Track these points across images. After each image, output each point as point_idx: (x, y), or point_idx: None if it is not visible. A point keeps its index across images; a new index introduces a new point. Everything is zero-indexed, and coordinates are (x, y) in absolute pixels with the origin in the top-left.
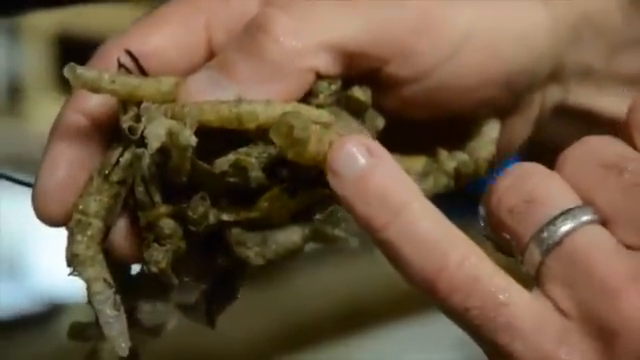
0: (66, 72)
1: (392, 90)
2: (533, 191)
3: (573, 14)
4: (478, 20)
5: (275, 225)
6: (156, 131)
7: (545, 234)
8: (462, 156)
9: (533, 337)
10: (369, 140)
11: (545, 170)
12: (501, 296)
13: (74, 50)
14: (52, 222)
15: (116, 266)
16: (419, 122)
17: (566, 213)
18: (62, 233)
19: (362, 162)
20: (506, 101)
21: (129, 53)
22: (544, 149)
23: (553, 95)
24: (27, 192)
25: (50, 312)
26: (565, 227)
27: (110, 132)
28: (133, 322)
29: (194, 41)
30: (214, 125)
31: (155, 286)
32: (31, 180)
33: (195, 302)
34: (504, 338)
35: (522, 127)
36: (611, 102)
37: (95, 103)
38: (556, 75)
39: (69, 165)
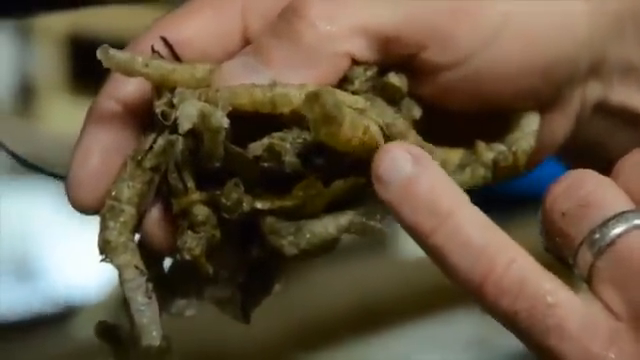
0: (99, 54)
1: (429, 78)
2: (587, 196)
3: (614, 6)
4: (516, 7)
5: (309, 215)
6: (188, 111)
7: (597, 235)
8: (500, 147)
9: (582, 338)
10: (413, 146)
11: (600, 176)
12: (549, 298)
13: (86, 51)
14: (85, 210)
15: (149, 260)
16: (457, 114)
17: (619, 216)
18: (76, 235)
19: (407, 169)
20: (545, 92)
21: (164, 40)
22: (585, 148)
23: (594, 91)
24: (42, 194)
25: (64, 314)
26: (618, 229)
27: (144, 119)
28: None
29: (229, 29)
30: (247, 109)
31: (188, 281)
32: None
33: (230, 296)
34: (553, 340)
35: (562, 124)
36: None
37: (129, 90)
38: (597, 70)
39: (103, 152)
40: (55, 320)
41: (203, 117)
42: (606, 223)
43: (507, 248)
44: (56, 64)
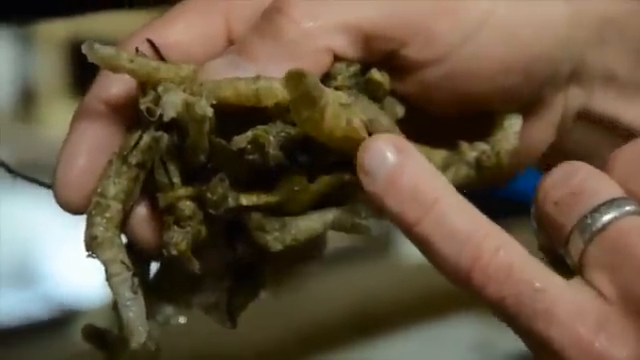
0: (84, 48)
1: (410, 75)
2: (579, 184)
3: (594, 11)
4: (496, 4)
5: (295, 213)
6: (172, 100)
7: (589, 221)
8: (483, 146)
9: (571, 323)
10: (396, 137)
11: (592, 168)
12: (537, 283)
13: (86, 57)
14: (73, 209)
15: (135, 264)
16: (439, 116)
17: (610, 202)
18: (76, 240)
19: (392, 160)
20: (526, 92)
21: (150, 42)
22: (567, 158)
23: (576, 99)
24: (41, 198)
25: (64, 319)
26: (609, 215)
27: (130, 118)
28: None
29: (213, 32)
30: (231, 102)
31: (175, 288)
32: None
33: (216, 300)
34: (541, 325)
35: (544, 131)
36: (636, 112)
37: (115, 90)
38: (578, 76)
39: (89, 151)
40: (55, 325)
41: (187, 106)
42: (597, 209)
43: (493, 235)
44: (57, 69)
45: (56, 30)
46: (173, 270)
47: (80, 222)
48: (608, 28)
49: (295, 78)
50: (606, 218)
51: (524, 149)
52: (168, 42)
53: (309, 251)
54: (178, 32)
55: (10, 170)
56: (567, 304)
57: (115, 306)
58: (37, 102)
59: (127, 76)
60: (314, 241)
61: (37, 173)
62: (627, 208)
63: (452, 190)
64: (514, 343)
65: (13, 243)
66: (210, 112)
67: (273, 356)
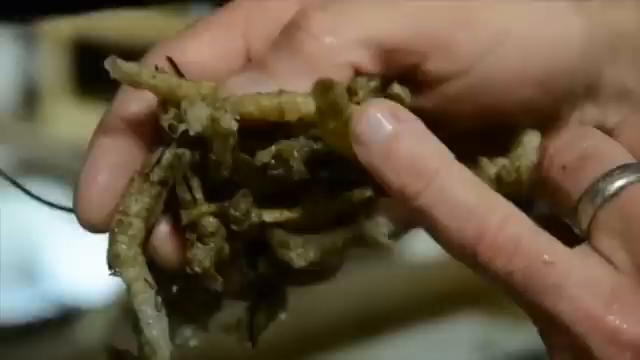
0: (107, 64)
1: (431, 89)
2: (589, 148)
3: (608, 27)
4: (515, 17)
5: (316, 229)
6: (198, 113)
7: (600, 186)
8: (503, 162)
9: (581, 296)
10: (394, 104)
11: (601, 133)
12: (546, 256)
13: (91, 55)
14: (95, 228)
15: (157, 282)
16: (458, 130)
17: (623, 167)
18: (79, 239)
19: (388, 128)
20: (545, 105)
21: (169, 60)
22: None
23: (591, 116)
24: (45, 197)
25: (66, 317)
26: (622, 181)
27: (150, 136)
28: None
29: (232, 49)
30: (255, 117)
31: (193, 309)
32: (45, 184)
33: (237, 320)
34: (550, 299)
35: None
36: None
37: (136, 108)
38: (593, 92)
39: (110, 169)
40: (58, 324)
41: (212, 121)
42: (610, 174)
43: (499, 206)
44: (61, 68)
45: (60, 29)
46: (192, 291)
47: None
48: (621, 43)
49: (323, 87)
50: (619, 183)
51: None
52: (187, 60)
53: (327, 267)
54: (197, 50)
55: (14, 182)
56: (577, 277)
57: (135, 328)
58: (41, 101)
59: (146, 93)
60: (333, 257)
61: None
62: None
63: (453, 160)
64: (516, 343)
65: (15, 242)
66: (235, 126)
67: (275, 356)
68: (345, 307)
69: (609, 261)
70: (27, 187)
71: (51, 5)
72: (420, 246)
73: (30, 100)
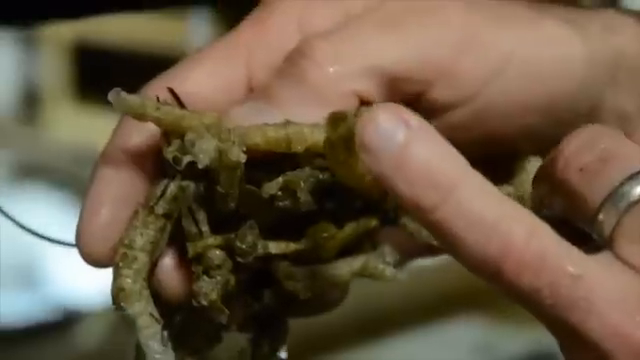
0: (111, 97)
1: (436, 117)
2: (608, 149)
3: (609, 51)
4: (519, 43)
5: (322, 261)
6: (206, 146)
7: (625, 189)
8: (508, 189)
9: (610, 311)
10: (405, 110)
11: (618, 132)
12: (572, 268)
13: (91, 59)
14: (97, 261)
15: (162, 316)
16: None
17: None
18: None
19: (400, 135)
20: (548, 132)
21: (170, 91)
22: None
23: None
24: (43, 200)
25: (66, 321)
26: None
27: (153, 169)
28: None
29: (234, 79)
30: (261, 148)
31: (196, 340)
32: (45, 190)
33: (240, 350)
34: (578, 315)
35: None
36: None
37: (137, 139)
38: (594, 117)
39: (112, 202)
40: (57, 328)
41: (220, 153)
42: (634, 177)
43: (523, 219)
44: (61, 72)
45: (61, 33)
46: (194, 323)
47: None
48: (620, 68)
49: (336, 119)
50: None
51: None
52: (188, 90)
53: (331, 299)
54: (198, 80)
55: (22, 226)
56: (605, 289)
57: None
58: (41, 105)
59: (148, 125)
60: (338, 289)
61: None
62: None
63: (471, 170)
64: (516, 346)
65: (15, 245)
66: (244, 158)
67: None
68: (345, 309)
69: (636, 270)
70: (24, 189)
71: (51, 9)
72: None
73: (30, 104)
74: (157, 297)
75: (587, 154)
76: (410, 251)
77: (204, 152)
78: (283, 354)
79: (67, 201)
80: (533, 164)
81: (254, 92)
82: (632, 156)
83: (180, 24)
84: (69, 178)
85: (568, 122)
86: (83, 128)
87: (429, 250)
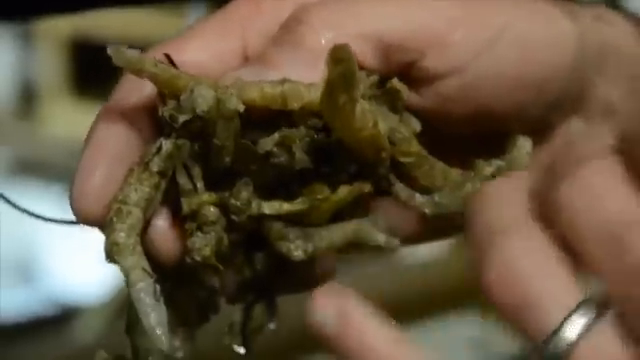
0: (110, 51)
1: (427, 87)
2: (527, 294)
3: (598, 38)
4: (512, 18)
5: (315, 225)
6: (205, 92)
7: (551, 346)
8: (499, 162)
9: None
10: (341, 298)
11: (537, 256)
12: None
13: (88, 55)
14: (90, 219)
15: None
16: (453, 133)
17: (569, 317)
18: (77, 237)
19: (334, 323)
20: (536, 113)
21: (167, 57)
22: None
23: (577, 130)
24: (42, 196)
25: (63, 316)
26: (571, 334)
27: (149, 130)
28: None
29: (230, 49)
30: (257, 104)
31: (191, 305)
32: (41, 186)
33: (231, 323)
34: None
35: (547, 162)
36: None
37: (135, 99)
38: (582, 105)
39: (108, 163)
40: (55, 322)
41: (218, 101)
42: (559, 328)
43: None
44: (58, 67)
45: (58, 28)
46: (187, 289)
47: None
48: (608, 57)
49: (340, 53)
50: (568, 340)
51: None
52: (184, 59)
53: (322, 270)
54: (194, 51)
55: (15, 205)
56: None
57: (128, 329)
58: (38, 100)
59: (146, 87)
60: (328, 257)
61: (37, 169)
62: (587, 319)
63: (403, 343)
64: (512, 343)
65: (13, 240)
66: (241, 108)
67: (273, 356)
68: None
69: None
70: (23, 184)
71: (49, 3)
72: (418, 246)
73: (28, 99)
74: (149, 259)
75: (507, 295)
76: (404, 228)
77: (203, 97)
78: (272, 325)
79: (64, 196)
80: (522, 142)
81: (251, 59)
82: (552, 300)
83: (178, 19)
84: (66, 173)
85: (558, 107)
86: (80, 123)
87: (417, 236)
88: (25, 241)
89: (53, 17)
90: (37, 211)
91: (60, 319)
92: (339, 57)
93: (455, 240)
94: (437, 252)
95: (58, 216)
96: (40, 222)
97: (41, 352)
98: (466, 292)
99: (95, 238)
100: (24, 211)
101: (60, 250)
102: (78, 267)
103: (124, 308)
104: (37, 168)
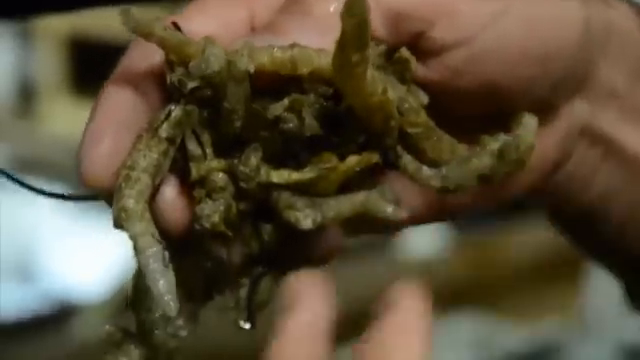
0: (120, 14)
1: (434, 58)
2: None
3: (603, 20)
4: None
5: (323, 195)
6: (217, 51)
7: None
8: (505, 137)
9: None
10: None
11: None
12: None
13: (87, 53)
14: (99, 186)
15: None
16: (459, 108)
17: None
18: (76, 236)
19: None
20: (541, 91)
21: (175, 25)
22: (568, 187)
23: (581, 113)
24: (40, 194)
25: (63, 314)
26: None
27: (157, 97)
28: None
29: (237, 22)
30: (267, 69)
31: (199, 279)
32: (39, 183)
33: (236, 300)
34: None
35: (551, 145)
36: (630, 136)
37: (143, 66)
38: (586, 86)
39: (116, 130)
40: (55, 320)
41: (229, 64)
42: None
43: None
44: (57, 66)
45: (57, 26)
46: (189, 269)
47: (79, 220)
48: (612, 39)
49: (356, 6)
50: None
51: (533, 163)
52: (192, 29)
53: (329, 244)
54: (201, 23)
55: (11, 177)
56: None
57: (134, 305)
58: (37, 99)
59: (154, 54)
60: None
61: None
62: None
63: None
64: (512, 341)
65: (13, 239)
66: (252, 68)
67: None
68: (342, 305)
69: None
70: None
71: (48, 2)
72: (418, 244)
73: (26, 98)
74: (157, 228)
75: None
76: (410, 201)
77: (215, 56)
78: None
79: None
80: (528, 119)
81: (259, 29)
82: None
83: None
84: (65, 171)
85: (563, 87)
86: (79, 121)
87: (421, 214)
88: (25, 239)
89: (52, 16)
90: (37, 212)
91: (60, 317)
92: (355, 11)
93: (455, 239)
94: (437, 250)
95: (58, 216)
96: (39, 222)
97: (41, 350)
98: (466, 291)
99: (95, 238)
100: (25, 185)
101: (60, 248)
102: (78, 265)
103: (124, 306)
104: (36, 166)
